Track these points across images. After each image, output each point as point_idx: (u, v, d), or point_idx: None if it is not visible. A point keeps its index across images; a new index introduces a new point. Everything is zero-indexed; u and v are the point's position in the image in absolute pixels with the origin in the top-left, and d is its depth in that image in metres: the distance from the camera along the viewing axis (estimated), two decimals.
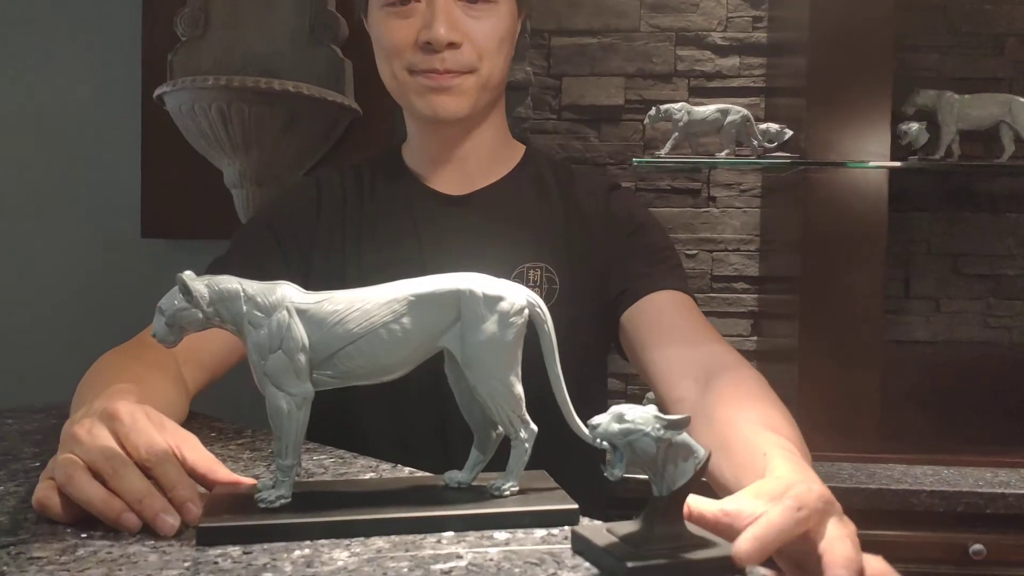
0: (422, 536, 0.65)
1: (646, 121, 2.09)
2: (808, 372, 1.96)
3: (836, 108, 1.96)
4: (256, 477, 0.76)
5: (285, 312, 0.67)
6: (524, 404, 0.71)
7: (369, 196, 1.20)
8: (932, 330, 2.30)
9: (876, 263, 1.95)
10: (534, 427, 0.71)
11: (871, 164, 1.93)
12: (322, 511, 0.66)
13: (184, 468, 0.72)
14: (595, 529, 0.61)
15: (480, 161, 1.20)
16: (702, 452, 0.59)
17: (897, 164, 1.96)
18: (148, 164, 2.16)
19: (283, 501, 0.68)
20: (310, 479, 0.83)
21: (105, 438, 0.71)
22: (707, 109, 2.07)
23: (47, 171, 2.26)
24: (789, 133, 2.02)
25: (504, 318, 0.69)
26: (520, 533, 0.65)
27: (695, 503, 0.64)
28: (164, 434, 0.73)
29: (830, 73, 1.96)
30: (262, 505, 0.67)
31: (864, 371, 1.94)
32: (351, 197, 1.20)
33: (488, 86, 1.14)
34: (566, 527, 0.66)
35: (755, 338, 2.32)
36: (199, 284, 0.66)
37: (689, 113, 2.07)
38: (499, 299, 0.70)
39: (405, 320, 0.69)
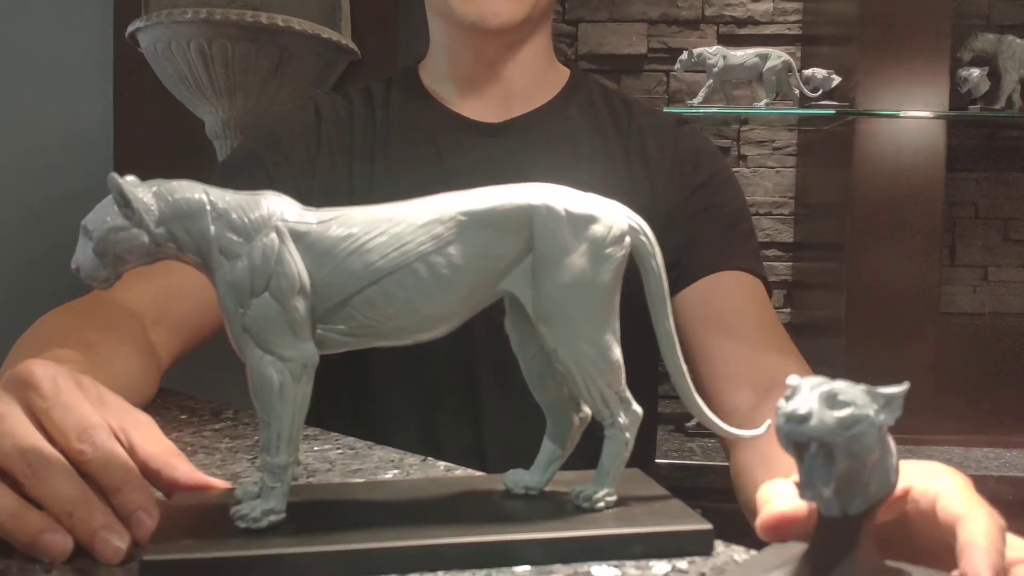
0: (484, 573, 0.43)
1: (677, 67, 1.92)
2: (855, 346, 1.85)
3: (891, 54, 1.83)
4: (235, 478, 0.55)
5: (274, 235, 0.44)
6: (624, 376, 0.49)
7: (383, 120, 0.98)
8: (979, 301, 2.16)
9: (931, 226, 1.82)
10: (638, 409, 0.49)
11: (922, 114, 1.80)
12: (331, 534, 0.44)
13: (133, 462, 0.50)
14: (751, 569, 0.39)
15: (521, 84, 0.99)
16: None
17: (956, 114, 1.81)
18: (121, 113, 2.01)
19: (273, 518, 0.45)
20: (311, 482, 0.61)
21: (16, 418, 0.49)
22: (745, 54, 1.91)
23: (4, 121, 2.08)
24: (837, 80, 1.85)
25: (597, 248, 0.47)
26: (632, 568, 0.43)
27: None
28: (104, 413, 0.51)
29: (884, 16, 1.82)
30: (242, 524, 0.45)
31: (917, 345, 1.82)
32: (360, 121, 0.98)
33: None
34: (697, 558, 0.44)
35: (788, 310, 2.15)
36: (144, 192, 0.44)
37: (725, 58, 1.91)
38: (590, 220, 0.47)
39: (453, 250, 0.46)
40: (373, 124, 0.97)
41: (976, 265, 2.14)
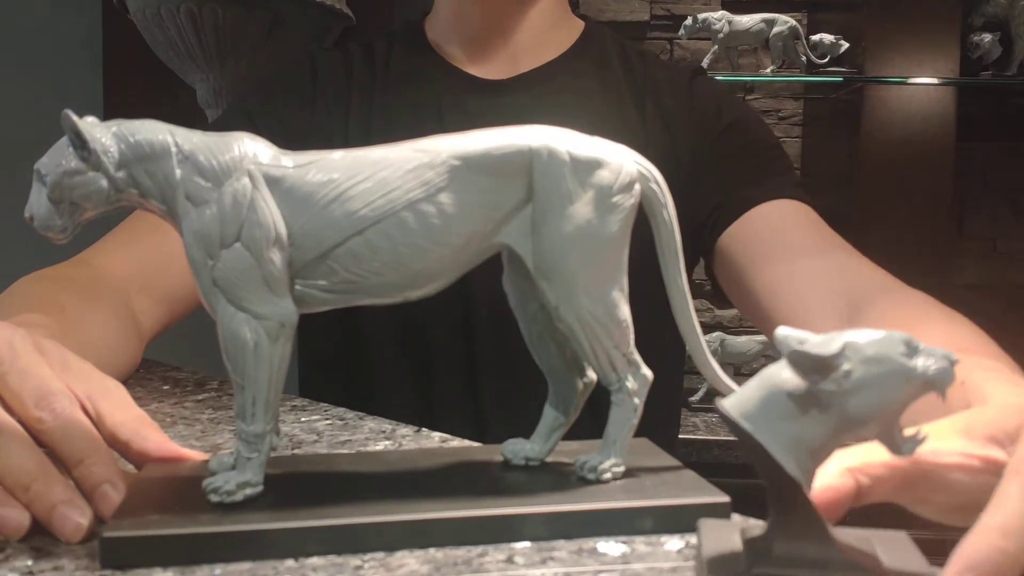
0: (481, 550, 0.39)
1: (681, 32, 1.86)
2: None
3: (900, 19, 1.78)
4: (216, 450, 0.51)
5: (246, 180, 0.40)
6: (632, 337, 0.45)
7: (383, 77, 0.93)
8: (987, 273, 2.13)
9: (940, 196, 1.79)
10: (647, 372, 0.45)
11: (932, 81, 1.76)
12: (313, 508, 0.41)
13: (100, 432, 0.47)
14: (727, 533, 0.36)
15: (530, 40, 0.94)
16: None
17: (967, 80, 1.77)
18: (110, 82, 1.98)
19: (249, 491, 0.42)
20: (294, 453, 0.57)
21: None
22: (751, 19, 1.86)
23: None
24: (845, 45, 1.80)
25: (604, 196, 0.43)
26: (641, 544, 0.40)
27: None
28: (68, 379, 0.48)
29: None
30: (214, 498, 0.41)
31: None
32: (359, 78, 0.93)
33: None
34: None
35: None
36: (102, 132, 0.40)
37: (730, 23, 1.86)
38: (596, 165, 0.43)
39: (444, 198, 0.42)
40: (372, 82, 0.92)
41: (984, 237, 2.10)
